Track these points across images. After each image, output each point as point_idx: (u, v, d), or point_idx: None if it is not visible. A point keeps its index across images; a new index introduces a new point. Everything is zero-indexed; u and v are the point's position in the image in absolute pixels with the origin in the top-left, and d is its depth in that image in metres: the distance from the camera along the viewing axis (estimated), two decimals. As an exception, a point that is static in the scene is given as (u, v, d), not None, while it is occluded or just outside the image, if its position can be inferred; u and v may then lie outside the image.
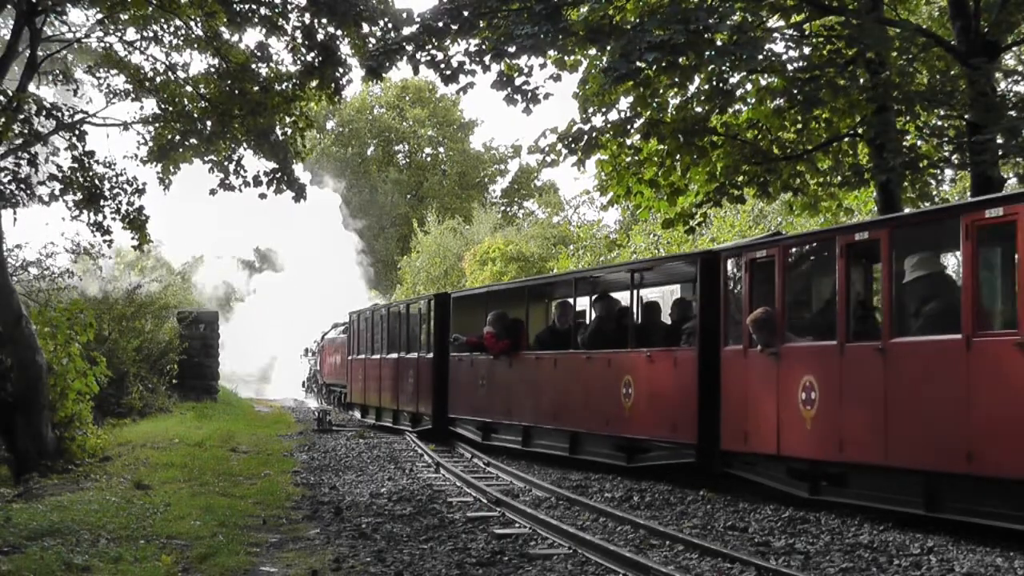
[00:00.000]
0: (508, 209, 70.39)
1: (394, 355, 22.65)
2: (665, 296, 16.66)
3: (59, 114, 15.76)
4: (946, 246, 9.95)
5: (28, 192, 15.99)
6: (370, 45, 15.19)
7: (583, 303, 16.94)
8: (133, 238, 17.30)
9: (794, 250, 11.59)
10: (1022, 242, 8.62)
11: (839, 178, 15.46)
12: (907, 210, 13.83)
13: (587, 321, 16.29)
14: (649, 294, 15.49)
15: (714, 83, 14.69)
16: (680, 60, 13.08)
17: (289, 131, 17.30)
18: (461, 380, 18.90)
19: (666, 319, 14.61)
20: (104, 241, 17.31)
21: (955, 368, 9.11)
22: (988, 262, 9.64)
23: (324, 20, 15.61)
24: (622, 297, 15.27)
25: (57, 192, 16.36)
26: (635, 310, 14.39)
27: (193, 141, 17.38)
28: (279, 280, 52.27)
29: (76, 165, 16.44)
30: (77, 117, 16.31)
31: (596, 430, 14.51)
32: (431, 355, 19.87)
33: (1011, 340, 8.65)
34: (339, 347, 31.17)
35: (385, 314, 24.09)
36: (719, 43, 12.68)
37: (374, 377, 24.45)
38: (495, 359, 17.32)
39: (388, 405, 23.19)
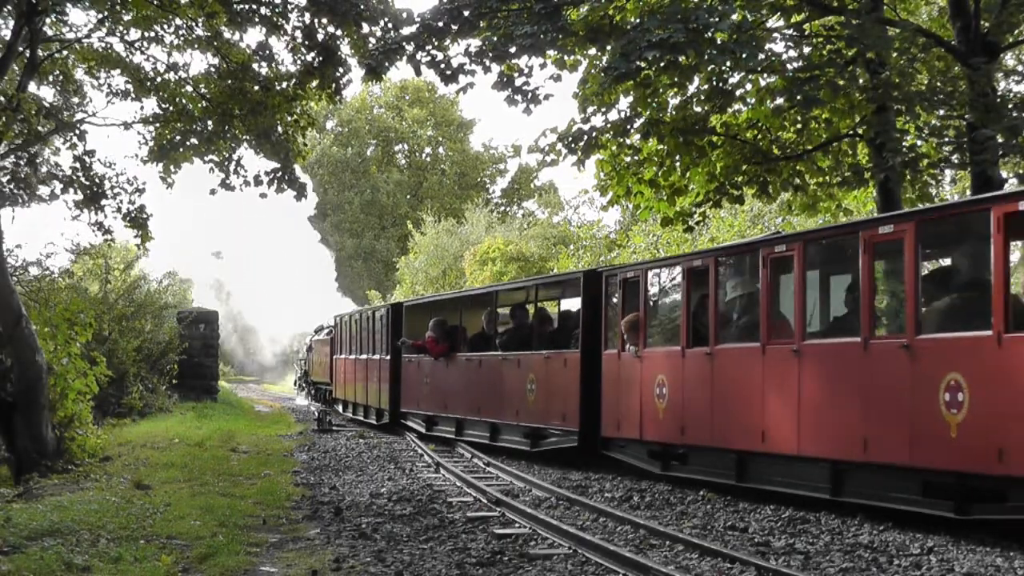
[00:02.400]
0: (507, 209, 70.39)
1: (364, 356, 25.12)
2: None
3: (59, 115, 15.77)
4: (754, 273, 11.87)
5: (28, 192, 16.00)
6: (370, 45, 15.19)
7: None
8: (136, 236, 17.33)
9: (652, 272, 13.96)
10: (797, 272, 11.06)
11: (838, 178, 15.46)
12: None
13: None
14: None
15: (714, 83, 14.68)
16: (680, 59, 13.08)
17: (290, 130, 17.31)
18: (409, 379, 21.46)
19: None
20: (105, 241, 17.33)
21: (756, 368, 11.53)
22: (777, 287, 11.66)
23: (324, 20, 15.61)
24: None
25: (58, 192, 16.38)
26: (555, 318, 17.26)
27: (193, 141, 17.39)
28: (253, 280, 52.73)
29: (77, 165, 16.45)
30: (77, 117, 16.32)
31: (509, 420, 16.90)
32: (389, 357, 22.37)
33: (789, 347, 11.02)
34: (324, 348, 33.13)
35: (359, 319, 26.50)
36: (719, 42, 12.68)
37: (351, 376, 26.91)
38: (435, 360, 19.79)
39: (361, 401, 25.60)
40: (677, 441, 12.87)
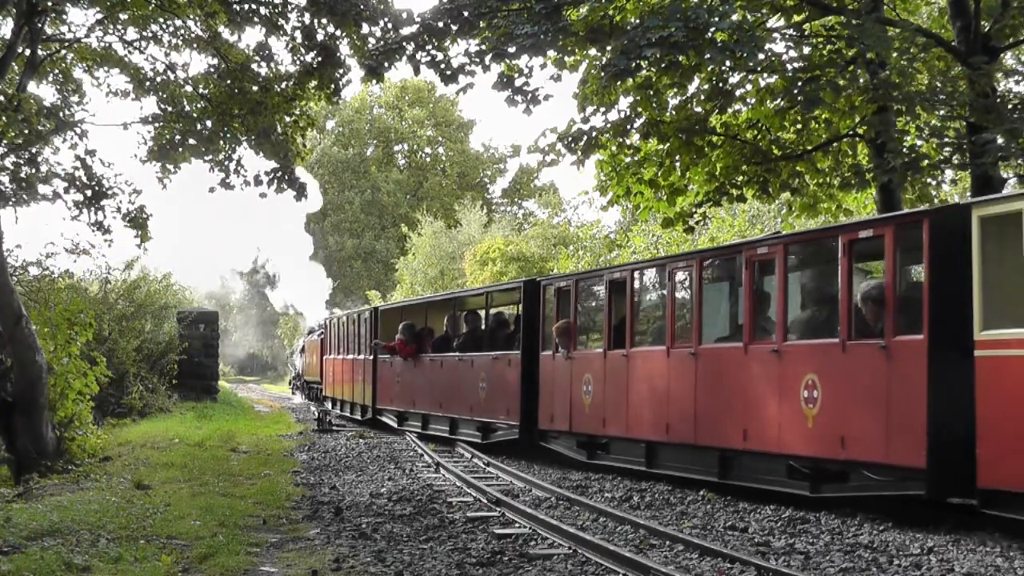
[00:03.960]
0: (507, 209, 70.33)
1: (351, 357, 26.83)
2: None
3: (59, 114, 15.77)
4: (662, 285, 13.82)
5: (29, 191, 16.00)
6: (370, 45, 15.17)
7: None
8: (136, 236, 17.33)
9: (581, 282, 15.82)
10: (695, 284, 12.75)
11: (838, 179, 15.44)
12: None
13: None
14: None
15: (714, 83, 14.67)
16: (680, 59, 13.07)
17: (289, 131, 17.29)
18: (384, 378, 23.24)
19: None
20: (104, 241, 17.33)
21: (662, 369, 13.19)
22: (680, 298, 13.41)
23: (324, 20, 15.58)
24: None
25: (61, 191, 16.38)
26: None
27: (192, 142, 17.37)
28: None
29: (78, 164, 16.44)
30: (77, 117, 16.32)
31: (465, 415, 18.60)
32: (372, 357, 23.95)
33: (687, 350, 12.69)
34: (315, 348, 34.87)
35: (345, 321, 28.25)
36: (719, 42, 12.66)
37: (339, 375, 28.86)
38: (405, 361, 21.45)
39: (348, 398, 27.41)
40: (600, 433, 14.57)
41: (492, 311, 19.25)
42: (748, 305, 11.76)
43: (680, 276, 13.26)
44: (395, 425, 22.15)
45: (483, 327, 19.07)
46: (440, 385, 19.86)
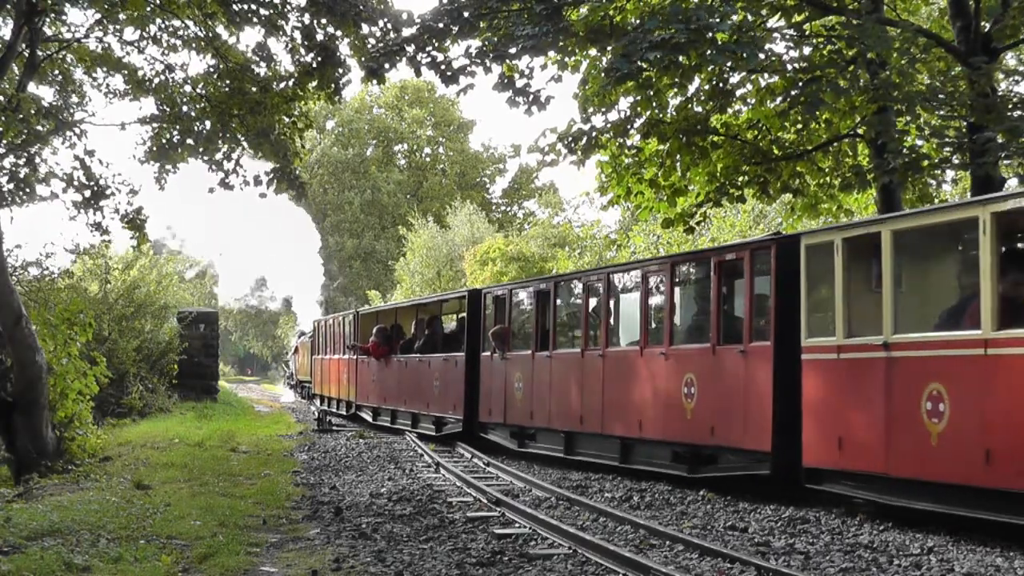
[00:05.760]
0: (508, 209, 70.29)
1: (336, 356, 28.89)
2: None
3: (59, 115, 15.75)
4: (579, 295, 15.51)
5: (27, 191, 15.99)
6: (369, 46, 15.16)
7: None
8: (132, 237, 17.30)
9: (515, 291, 17.95)
10: (604, 295, 14.60)
11: (839, 179, 15.43)
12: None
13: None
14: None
15: (714, 83, 14.65)
16: (681, 60, 13.07)
17: (287, 132, 17.27)
18: (362, 377, 25.43)
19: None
20: (103, 241, 17.30)
21: (577, 369, 15.14)
22: (593, 306, 15.05)
23: (324, 20, 15.57)
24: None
25: (58, 192, 16.37)
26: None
27: (190, 142, 17.34)
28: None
29: (76, 164, 16.43)
30: (77, 117, 16.30)
31: (423, 411, 20.94)
32: (355, 357, 25.89)
33: (597, 353, 14.59)
34: (307, 349, 37.26)
35: (332, 324, 30.58)
36: (720, 43, 12.66)
37: (327, 374, 31.05)
38: (378, 361, 23.64)
39: (334, 396, 29.66)
40: (528, 424, 16.50)
41: (458, 316, 21.29)
42: (643, 314, 13.64)
43: (594, 288, 15.06)
44: (371, 420, 24.37)
45: (443, 331, 21.25)
46: (405, 383, 22.11)
